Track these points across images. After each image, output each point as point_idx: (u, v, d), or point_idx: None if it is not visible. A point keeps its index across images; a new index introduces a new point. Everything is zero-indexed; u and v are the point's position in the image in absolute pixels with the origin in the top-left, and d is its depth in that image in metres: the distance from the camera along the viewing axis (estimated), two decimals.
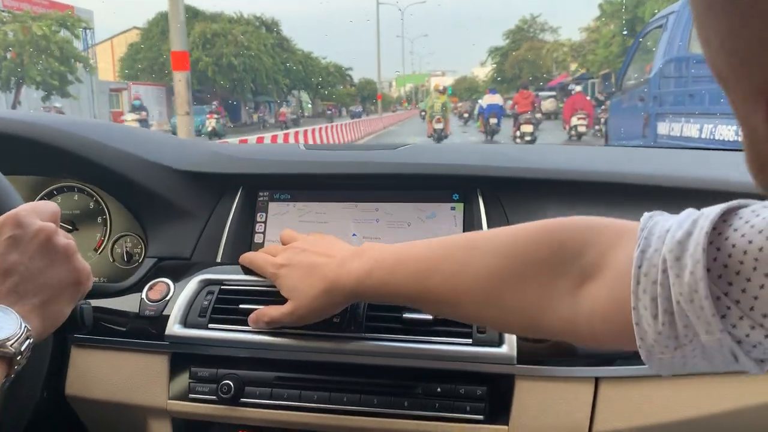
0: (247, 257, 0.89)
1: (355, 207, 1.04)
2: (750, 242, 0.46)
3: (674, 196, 0.95)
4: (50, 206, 0.72)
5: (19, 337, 0.61)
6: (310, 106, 53.04)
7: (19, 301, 0.64)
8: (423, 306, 0.74)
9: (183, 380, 0.87)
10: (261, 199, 1.06)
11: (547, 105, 21.35)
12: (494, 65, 53.65)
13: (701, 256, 0.47)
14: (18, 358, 0.61)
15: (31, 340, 0.63)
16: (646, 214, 0.56)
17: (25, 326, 0.62)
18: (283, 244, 0.88)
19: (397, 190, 1.04)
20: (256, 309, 0.86)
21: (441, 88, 19.87)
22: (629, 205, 0.95)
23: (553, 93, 28.77)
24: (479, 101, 20.17)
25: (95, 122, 1.09)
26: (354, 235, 1.02)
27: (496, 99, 16.58)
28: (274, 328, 0.84)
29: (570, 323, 0.59)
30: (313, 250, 0.81)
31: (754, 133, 0.31)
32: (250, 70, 36.59)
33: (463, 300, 0.67)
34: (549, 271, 0.60)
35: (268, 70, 37.68)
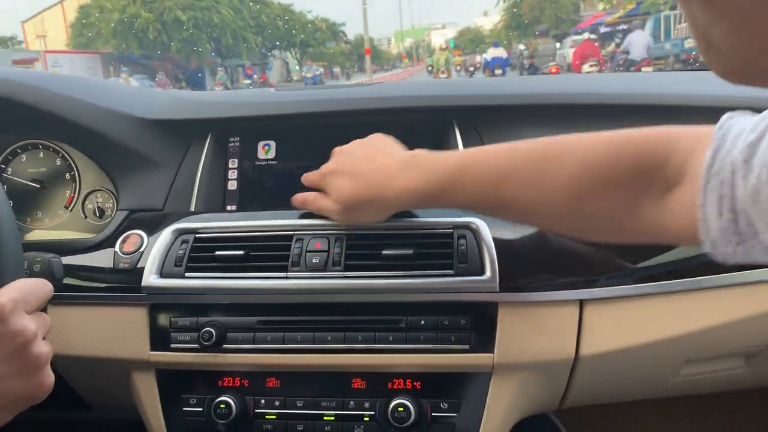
0: (305, 176, 0.87)
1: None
2: None
3: (654, 114, 0.93)
4: (42, 292, 0.65)
5: None
6: (297, 68, 48.84)
7: None
8: (490, 214, 0.74)
9: (164, 330, 0.86)
10: (232, 144, 1.03)
11: None
12: (506, 10, 44.33)
13: None
14: None
15: None
16: (725, 115, 0.57)
17: None
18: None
19: (373, 127, 1.01)
20: (232, 255, 0.84)
21: (444, 45, 25.80)
22: (610, 126, 0.94)
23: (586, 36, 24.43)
24: (484, 55, 20.57)
25: (53, 74, 1.05)
26: None
27: (499, 52, 17.69)
28: (242, 270, 0.84)
29: (654, 227, 0.61)
30: (357, 153, 0.80)
31: (695, 23, 0.31)
32: (205, 27, 30.99)
33: (540, 209, 0.67)
34: (634, 181, 0.61)
35: (231, 26, 32.21)
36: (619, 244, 0.75)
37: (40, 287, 0.65)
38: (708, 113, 0.92)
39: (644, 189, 0.61)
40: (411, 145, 0.99)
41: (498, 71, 16.29)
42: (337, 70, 46.72)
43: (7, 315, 0.58)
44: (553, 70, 13.99)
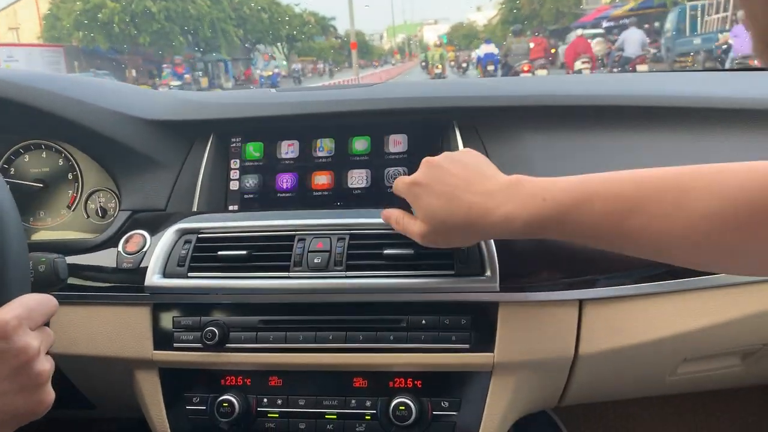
0: (396, 181, 0.79)
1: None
2: None
3: (653, 115, 0.94)
4: (47, 308, 0.65)
5: None
6: (285, 63, 45.00)
7: None
8: (614, 248, 0.66)
9: (167, 330, 0.86)
10: (234, 145, 1.04)
11: (596, 48, 16.24)
12: (502, 4, 41.20)
13: None
14: None
15: None
16: None
17: None
18: None
19: (374, 128, 1.02)
20: (235, 255, 0.85)
21: (438, 42, 24.65)
22: (609, 127, 0.94)
23: (599, 31, 20.83)
24: (476, 51, 20.85)
25: (55, 75, 1.05)
26: None
27: (491, 48, 17.57)
28: (245, 270, 0.84)
29: None
30: (452, 170, 0.71)
31: (755, 21, 0.30)
32: (179, 18, 27.79)
33: (676, 244, 0.60)
34: None
35: (209, 18, 29.19)
36: None
37: (45, 303, 0.65)
38: (709, 115, 0.93)
39: None
40: (411, 146, 1.00)
41: (490, 67, 16.21)
42: (321, 66, 44.04)
43: (11, 332, 0.59)
44: (525, 68, 13.65)
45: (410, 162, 1.00)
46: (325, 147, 1.02)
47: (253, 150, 1.03)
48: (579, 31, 15.91)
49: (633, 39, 13.01)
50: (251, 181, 1.02)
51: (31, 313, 0.62)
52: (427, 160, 0.74)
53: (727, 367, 0.95)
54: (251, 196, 1.02)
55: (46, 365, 0.63)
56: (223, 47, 32.05)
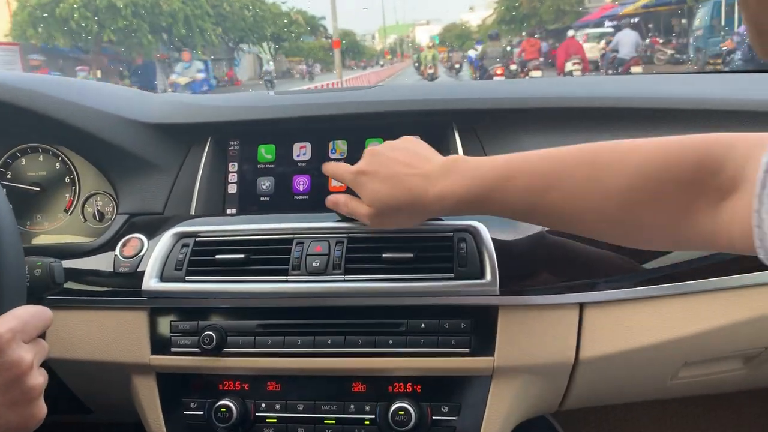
0: (329, 166, 0.85)
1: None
2: None
3: (650, 117, 0.94)
4: (41, 321, 0.65)
5: None
6: (272, 63, 41.92)
7: None
8: (533, 221, 0.72)
9: (164, 334, 0.86)
10: (232, 148, 1.03)
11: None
12: (498, 2, 38.32)
13: None
14: None
15: None
16: None
17: None
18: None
19: (372, 130, 1.01)
20: (232, 259, 0.84)
21: (431, 44, 25.79)
22: (607, 129, 0.94)
23: (607, 30, 19.10)
24: (469, 52, 21.04)
25: (52, 78, 1.05)
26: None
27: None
28: (242, 274, 0.83)
29: (708, 236, 0.59)
30: (393, 156, 0.76)
31: (746, 7, 0.30)
32: (148, 14, 25.11)
33: (589, 218, 0.64)
34: (689, 189, 0.59)
35: (180, 14, 25.96)
36: (665, 251, 0.76)
37: (39, 316, 0.64)
38: (707, 117, 0.93)
39: (698, 196, 0.59)
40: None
41: (502, 70, 16.47)
42: (301, 67, 40.94)
43: (4, 346, 0.58)
44: (498, 71, 14.22)
45: None
46: (337, 149, 1.02)
47: (251, 153, 1.03)
48: (571, 32, 15.57)
49: (627, 40, 12.92)
50: (249, 184, 1.02)
51: (25, 326, 0.62)
52: (369, 150, 0.79)
53: (728, 371, 0.94)
54: (249, 199, 1.02)
55: (39, 379, 0.62)
56: (199, 46, 28.96)
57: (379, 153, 0.77)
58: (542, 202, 0.66)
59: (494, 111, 0.96)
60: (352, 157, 1.00)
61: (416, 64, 28.95)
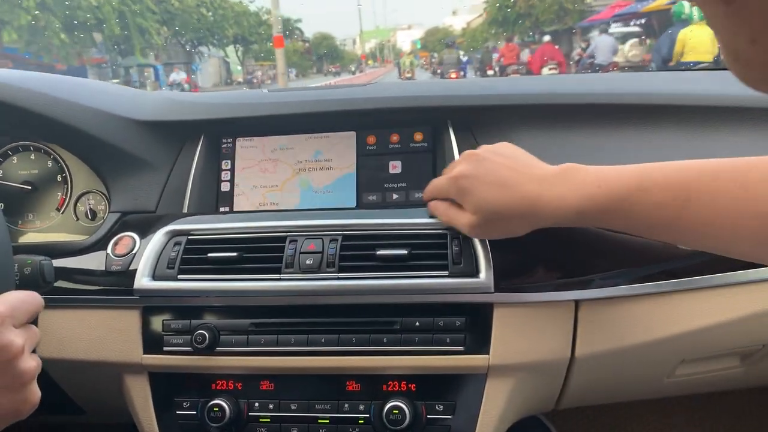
0: (428, 188, 0.80)
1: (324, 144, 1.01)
2: None
3: (648, 113, 0.93)
4: (32, 305, 0.64)
5: None
6: (239, 68, 40.08)
7: None
8: (667, 238, 0.66)
9: (156, 333, 0.85)
10: (225, 146, 1.03)
11: (632, 52, 14.35)
12: (489, 2, 34.80)
13: None
14: None
15: None
16: None
17: None
18: None
19: (367, 127, 1.01)
20: (225, 257, 0.84)
21: (410, 50, 27.34)
22: (604, 125, 0.94)
23: (632, 30, 17.28)
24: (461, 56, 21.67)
25: (43, 75, 1.04)
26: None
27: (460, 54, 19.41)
28: (235, 272, 0.82)
29: None
30: (499, 161, 0.70)
31: (716, 28, 0.29)
32: (60, 8, 20.62)
33: (742, 237, 0.58)
34: None
35: (106, 8, 21.69)
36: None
37: (30, 300, 0.63)
38: (703, 112, 0.92)
39: None
40: (404, 144, 0.99)
41: (460, 73, 17.44)
42: (260, 73, 37.21)
43: None
44: (453, 76, 15.19)
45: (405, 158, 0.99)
46: (317, 147, 1.01)
47: (253, 150, 1.02)
48: (547, 38, 15.34)
49: (604, 46, 12.44)
50: (242, 182, 1.01)
51: (15, 311, 0.61)
52: (470, 153, 0.74)
53: (726, 369, 0.94)
54: (242, 197, 1.01)
55: (31, 363, 0.61)
56: (138, 48, 24.96)
57: (482, 157, 0.72)
58: (681, 218, 0.60)
59: (489, 108, 0.96)
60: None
61: (399, 69, 29.61)
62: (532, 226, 0.70)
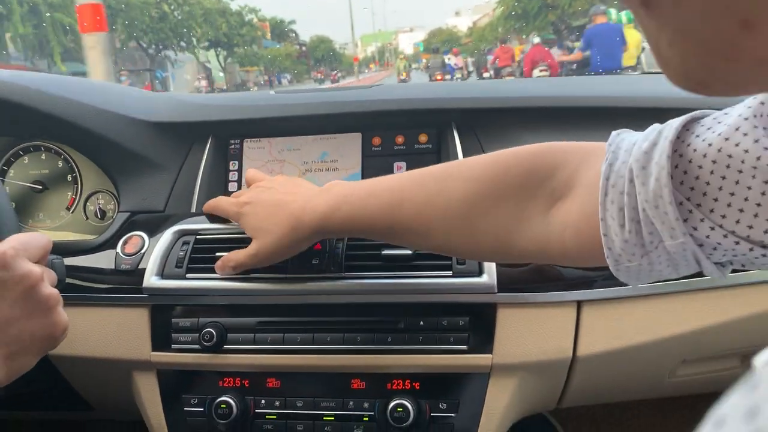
0: (211, 203, 0.87)
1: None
2: (709, 145, 0.47)
3: (653, 116, 0.94)
4: (41, 241, 0.68)
5: None
6: (221, 74, 35.13)
7: None
8: (393, 238, 0.73)
9: (165, 331, 0.86)
10: (232, 146, 1.04)
11: None
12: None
13: (666, 163, 0.47)
14: None
15: None
16: (614, 132, 0.57)
17: None
18: (248, 185, 0.86)
19: (372, 129, 1.02)
20: None
21: (403, 56, 27.85)
22: (607, 127, 0.94)
23: None
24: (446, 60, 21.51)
25: (54, 77, 1.05)
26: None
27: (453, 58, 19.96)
28: (243, 272, 0.83)
29: (541, 243, 0.60)
30: (278, 189, 0.79)
31: (643, 28, 0.31)
32: None
33: (433, 228, 0.66)
34: (520, 195, 0.61)
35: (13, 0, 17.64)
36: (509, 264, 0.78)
37: (38, 237, 0.68)
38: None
39: (529, 202, 0.60)
40: (410, 148, 1.00)
41: (447, 77, 17.91)
42: (284, 78, 34.91)
43: (9, 260, 0.61)
44: (438, 78, 16.13)
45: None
46: (323, 148, 1.02)
47: (253, 150, 1.03)
48: (536, 39, 15.06)
49: None
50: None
51: (26, 246, 0.65)
52: (255, 185, 0.82)
53: (727, 369, 0.95)
54: None
55: (52, 290, 0.65)
56: (57, 51, 20.41)
57: (265, 186, 0.80)
58: (396, 217, 0.67)
59: (493, 110, 0.97)
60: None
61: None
62: (300, 240, 0.76)
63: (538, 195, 0.60)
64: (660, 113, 0.94)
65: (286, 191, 0.78)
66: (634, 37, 8.81)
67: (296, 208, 0.74)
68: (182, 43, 28.96)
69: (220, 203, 0.85)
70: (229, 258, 0.81)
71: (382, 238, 0.74)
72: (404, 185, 0.68)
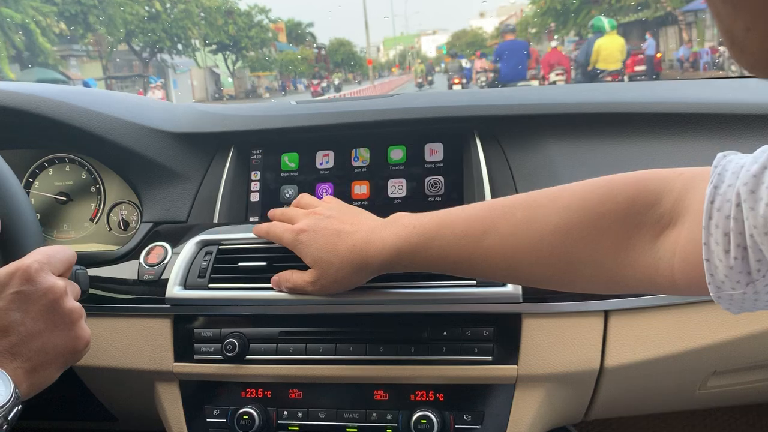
0: (263, 228, 0.84)
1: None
2: None
3: (678, 122, 0.92)
4: (66, 254, 0.69)
5: (9, 405, 0.58)
6: (230, 80, 32.33)
7: (12, 362, 0.60)
8: (471, 272, 0.70)
9: (187, 342, 0.86)
10: (254, 156, 1.04)
11: None
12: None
13: None
14: (4, 428, 0.58)
15: (19, 408, 0.59)
16: (720, 154, 0.54)
17: (16, 392, 0.59)
18: (302, 209, 0.83)
19: (394, 138, 1.01)
20: (255, 266, 0.85)
21: (420, 60, 27.32)
22: (634, 134, 0.93)
23: None
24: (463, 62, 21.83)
25: (77, 89, 1.07)
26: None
27: (464, 63, 20.46)
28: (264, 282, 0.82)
29: (650, 272, 0.58)
30: (338, 218, 0.76)
31: (719, 19, 0.30)
32: None
33: (522, 259, 0.63)
34: (624, 224, 0.58)
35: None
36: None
37: (62, 251, 0.69)
38: (732, 121, 0.91)
39: (635, 231, 0.58)
40: (430, 155, 0.99)
41: (463, 80, 18.10)
42: (300, 83, 31.67)
43: (34, 274, 0.62)
44: (455, 81, 16.62)
45: (408, 173, 0.99)
46: (360, 157, 1.01)
47: (274, 161, 1.03)
48: (553, 43, 14.95)
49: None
50: (271, 192, 1.02)
51: (51, 259, 0.66)
52: (310, 211, 0.79)
53: (760, 381, 0.92)
54: (271, 207, 1.02)
55: (75, 303, 0.67)
56: (50, 54, 18.00)
57: (322, 214, 0.78)
58: (478, 248, 0.65)
59: (516, 117, 0.96)
60: (375, 164, 1.00)
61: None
62: (363, 275, 0.75)
63: (644, 223, 0.58)
64: (690, 119, 0.92)
65: (345, 220, 0.76)
66: (617, 42, 9.79)
67: (359, 240, 0.72)
68: (179, 46, 25.77)
69: (274, 229, 0.81)
70: (286, 279, 0.80)
71: (457, 270, 0.71)
72: (483, 215, 0.66)
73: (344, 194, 1.00)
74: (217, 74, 32.79)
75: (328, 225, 0.75)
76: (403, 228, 0.70)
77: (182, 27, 24.83)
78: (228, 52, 31.53)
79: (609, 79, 8.96)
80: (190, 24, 25.33)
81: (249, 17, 31.95)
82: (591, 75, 9.61)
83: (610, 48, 9.56)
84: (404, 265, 0.72)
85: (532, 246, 0.62)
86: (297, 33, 42.91)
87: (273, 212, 0.87)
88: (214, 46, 30.00)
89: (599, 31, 9.73)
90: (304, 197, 0.86)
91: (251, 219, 1.02)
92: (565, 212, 0.61)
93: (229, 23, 29.80)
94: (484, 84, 17.59)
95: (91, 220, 1.05)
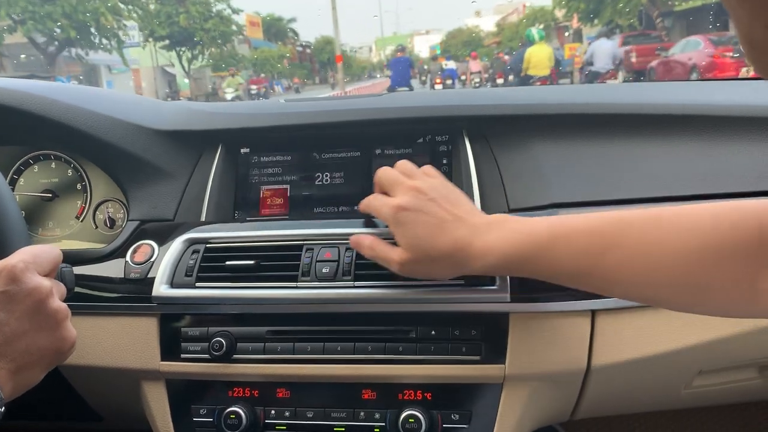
0: (365, 201, 0.78)
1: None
2: None
3: (663, 123, 0.93)
4: (52, 254, 0.68)
5: None
6: (186, 81, 28.33)
7: None
8: (588, 286, 0.65)
9: (174, 341, 0.86)
10: (243, 155, 1.04)
11: None
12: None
13: None
14: None
15: (3, 409, 0.58)
16: None
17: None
18: (385, 182, 0.77)
19: (383, 138, 1.01)
20: (242, 265, 0.84)
21: (429, 57, 27.70)
22: (621, 135, 0.94)
23: None
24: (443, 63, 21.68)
25: (63, 85, 1.06)
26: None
27: (451, 64, 20.56)
28: (252, 281, 0.82)
29: None
30: (440, 202, 0.71)
31: (739, 23, 0.30)
32: None
33: (649, 281, 0.61)
34: (760, 251, 0.57)
35: None
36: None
37: (48, 251, 0.68)
38: (718, 123, 0.92)
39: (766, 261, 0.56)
40: (420, 155, 0.99)
41: (448, 81, 18.30)
42: (277, 85, 26.78)
43: (19, 274, 0.61)
44: (437, 81, 17.74)
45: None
46: (334, 156, 1.01)
47: (277, 159, 1.03)
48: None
49: (602, 52, 11.70)
50: (259, 190, 1.02)
51: (37, 259, 0.65)
52: (413, 186, 0.72)
53: (744, 380, 0.93)
54: (259, 205, 1.02)
55: (61, 304, 0.66)
56: None
57: (423, 193, 0.72)
58: (599, 266, 0.62)
59: (505, 117, 0.96)
60: (363, 163, 1.00)
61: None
62: (458, 271, 0.70)
63: None
64: (676, 120, 0.93)
65: (447, 208, 0.70)
66: (546, 50, 11.39)
67: (461, 238, 0.67)
68: (98, 40, 20.68)
69: (374, 203, 0.76)
70: (371, 246, 0.75)
71: (571, 284, 0.67)
72: (603, 230, 0.62)
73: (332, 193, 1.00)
74: (172, 74, 29.56)
75: (431, 210, 0.70)
76: (511, 233, 0.66)
77: (92, 11, 19.64)
78: (184, 49, 26.90)
79: (539, 84, 9.84)
80: (103, 9, 20.18)
81: (206, 6, 27.05)
82: (524, 80, 11.13)
83: (539, 56, 10.95)
84: (510, 271, 0.70)
85: (662, 267, 0.60)
86: (278, 29, 38.50)
87: (368, 198, 0.79)
88: (166, 41, 25.75)
89: (530, 42, 11.21)
90: (406, 164, 0.79)
91: (238, 218, 1.01)
92: (697, 234, 0.59)
93: (180, 12, 25.26)
94: (477, 85, 17.67)
95: (77, 217, 1.04)
